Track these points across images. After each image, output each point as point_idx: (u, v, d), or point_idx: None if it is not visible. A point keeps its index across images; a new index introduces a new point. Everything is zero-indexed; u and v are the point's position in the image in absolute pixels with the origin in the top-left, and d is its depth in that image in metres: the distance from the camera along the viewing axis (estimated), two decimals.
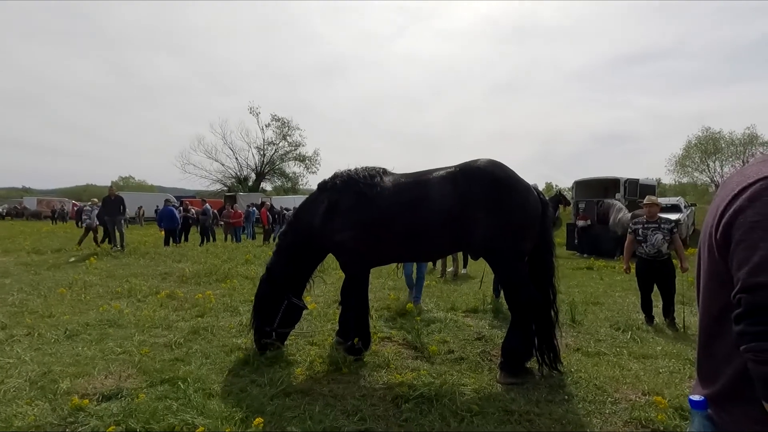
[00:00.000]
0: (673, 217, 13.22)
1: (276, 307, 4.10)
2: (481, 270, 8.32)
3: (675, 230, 5.33)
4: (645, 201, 5.67)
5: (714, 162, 40.35)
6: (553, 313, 3.66)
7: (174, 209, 15.04)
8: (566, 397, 3.25)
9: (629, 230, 5.65)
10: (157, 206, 15.73)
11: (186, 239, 16.27)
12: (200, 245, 14.78)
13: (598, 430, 2.75)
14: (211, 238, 16.62)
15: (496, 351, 4.28)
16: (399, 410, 3.02)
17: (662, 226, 5.33)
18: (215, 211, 18.25)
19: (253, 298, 6.45)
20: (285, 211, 19.04)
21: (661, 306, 5.55)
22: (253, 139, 42.28)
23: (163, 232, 14.69)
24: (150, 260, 10.48)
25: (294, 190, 42.36)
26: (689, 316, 5.48)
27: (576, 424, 2.81)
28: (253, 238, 20.08)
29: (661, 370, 3.87)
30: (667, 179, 43.46)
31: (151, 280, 8.01)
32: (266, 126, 40.84)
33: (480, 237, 3.52)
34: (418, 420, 2.87)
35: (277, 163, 41.98)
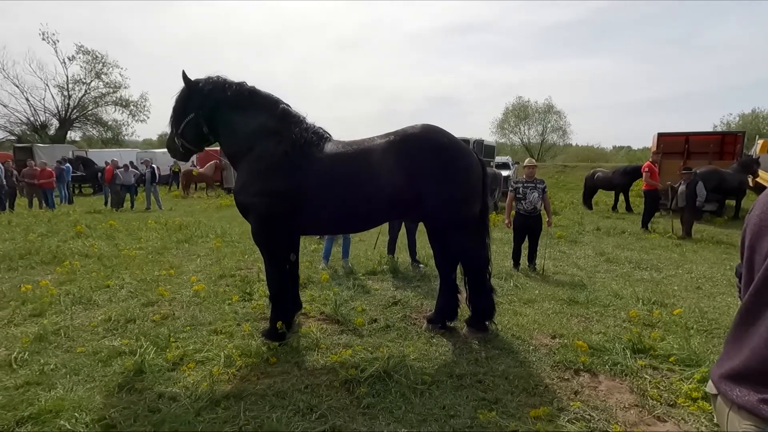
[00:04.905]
0: (505, 173, 15.45)
1: None
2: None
3: (546, 189, 6.16)
4: (526, 162, 6.39)
5: (524, 126, 48.57)
6: (487, 273, 3.82)
7: None
8: (497, 351, 3.49)
9: (510, 189, 6.30)
10: None
11: None
12: None
13: (538, 381, 3.03)
14: (7, 206, 12.72)
15: (416, 314, 4.36)
16: (355, 397, 2.79)
17: (537, 185, 6.09)
18: (13, 169, 13.89)
19: (108, 282, 5.19)
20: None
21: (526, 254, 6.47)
22: (50, 75, 33.24)
23: None
24: None
25: (117, 141, 35.19)
26: (546, 261, 6.53)
27: (520, 378, 3.04)
28: (70, 201, 16.17)
29: (548, 313, 4.50)
30: (490, 140, 50.61)
31: None
32: (70, 59, 32.12)
33: (430, 208, 3.39)
34: (380, 404, 2.71)
35: (90, 107, 33.82)
